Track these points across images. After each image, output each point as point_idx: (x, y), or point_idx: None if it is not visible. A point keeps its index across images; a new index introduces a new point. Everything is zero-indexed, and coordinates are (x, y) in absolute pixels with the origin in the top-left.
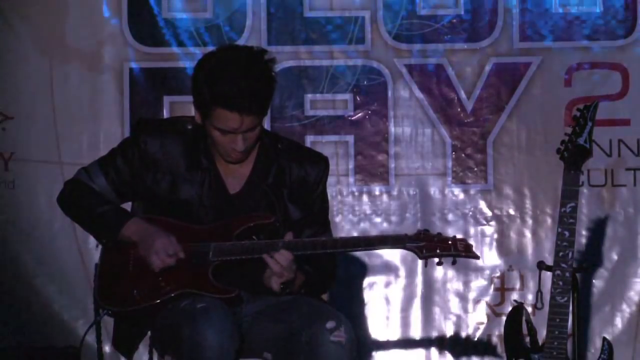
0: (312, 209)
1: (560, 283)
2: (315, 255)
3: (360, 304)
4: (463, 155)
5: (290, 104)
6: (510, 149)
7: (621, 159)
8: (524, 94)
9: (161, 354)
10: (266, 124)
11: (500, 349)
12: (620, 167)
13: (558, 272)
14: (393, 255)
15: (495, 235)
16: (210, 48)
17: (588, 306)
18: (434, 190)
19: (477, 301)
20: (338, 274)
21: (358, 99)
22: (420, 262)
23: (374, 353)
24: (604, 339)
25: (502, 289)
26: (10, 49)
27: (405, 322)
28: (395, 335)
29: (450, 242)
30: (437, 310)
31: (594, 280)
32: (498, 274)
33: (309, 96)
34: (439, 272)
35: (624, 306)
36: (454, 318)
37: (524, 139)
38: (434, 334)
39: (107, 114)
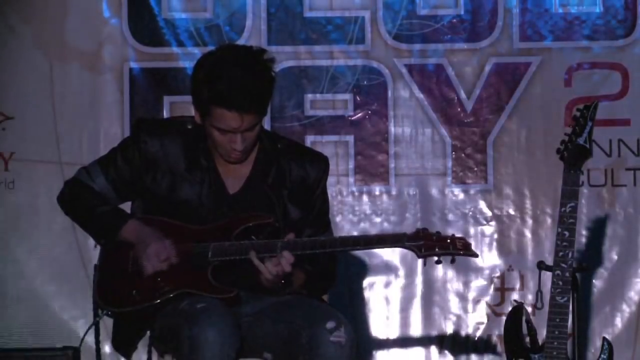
0: (312, 208)
1: (560, 283)
2: (315, 255)
3: (360, 303)
4: (463, 155)
5: (290, 104)
6: (510, 149)
7: (621, 159)
8: (524, 94)
9: (161, 354)
10: (266, 124)
11: (500, 348)
12: (620, 167)
13: (558, 272)
14: (393, 254)
15: (495, 235)
16: (210, 48)
17: (588, 306)
18: (434, 190)
19: (477, 301)
20: (338, 273)
21: (358, 99)
22: (419, 262)
23: (374, 353)
24: (604, 339)
25: (502, 289)
26: (11, 49)
27: (405, 322)
28: (395, 335)
29: (448, 241)
30: (437, 310)
31: (594, 280)
32: (498, 274)
33: (309, 96)
34: (439, 271)
35: (624, 306)
36: (454, 318)
37: (524, 139)
38: (434, 333)
39: (107, 114)
